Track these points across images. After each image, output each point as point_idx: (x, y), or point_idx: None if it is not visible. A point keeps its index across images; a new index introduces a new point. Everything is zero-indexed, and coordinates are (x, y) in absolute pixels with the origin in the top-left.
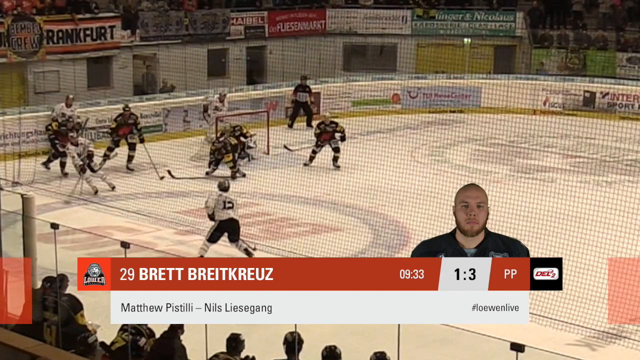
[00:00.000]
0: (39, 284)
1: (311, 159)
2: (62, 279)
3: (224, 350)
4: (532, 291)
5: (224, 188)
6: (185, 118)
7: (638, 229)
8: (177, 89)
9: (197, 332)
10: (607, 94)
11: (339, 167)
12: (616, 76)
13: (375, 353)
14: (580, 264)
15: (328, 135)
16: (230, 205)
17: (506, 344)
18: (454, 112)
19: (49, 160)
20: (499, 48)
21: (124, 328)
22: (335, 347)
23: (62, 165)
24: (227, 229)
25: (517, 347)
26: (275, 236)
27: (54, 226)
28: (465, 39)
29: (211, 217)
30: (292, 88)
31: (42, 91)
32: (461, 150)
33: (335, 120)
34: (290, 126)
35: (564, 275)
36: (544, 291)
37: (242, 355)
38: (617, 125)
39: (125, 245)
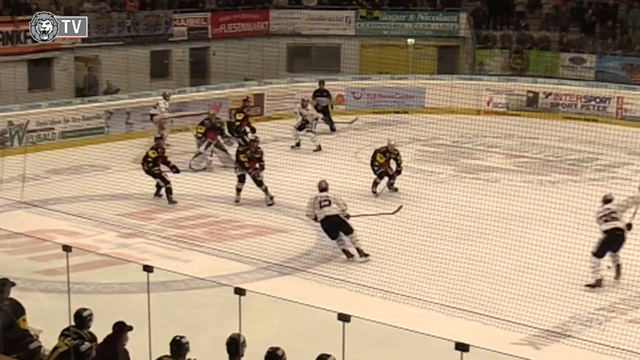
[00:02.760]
0: None
1: (376, 184)
2: (4, 284)
3: (168, 353)
4: (477, 290)
5: (322, 188)
6: (127, 120)
7: (581, 227)
8: (118, 91)
9: (141, 336)
10: (550, 94)
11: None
12: (559, 76)
13: (320, 355)
14: (524, 263)
15: (387, 164)
16: (326, 203)
17: (451, 343)
18: (398, 112)
19: (160, 190)
20: (442, 49)
21: (65, 333)
22: (278, 348)
23: (169, 191)
24: (330, 226)
25: (462, 347)
26: (219, 238)
27: None
28: (409, 40)
29: (315, 219)
30: (236, 89)
31: None
32: (405, 150)
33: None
34: (333, 130)
35: (507, 274)
36: (488, 290)
37: (186, 358)
38: (560, 125)
39: (67, 248)
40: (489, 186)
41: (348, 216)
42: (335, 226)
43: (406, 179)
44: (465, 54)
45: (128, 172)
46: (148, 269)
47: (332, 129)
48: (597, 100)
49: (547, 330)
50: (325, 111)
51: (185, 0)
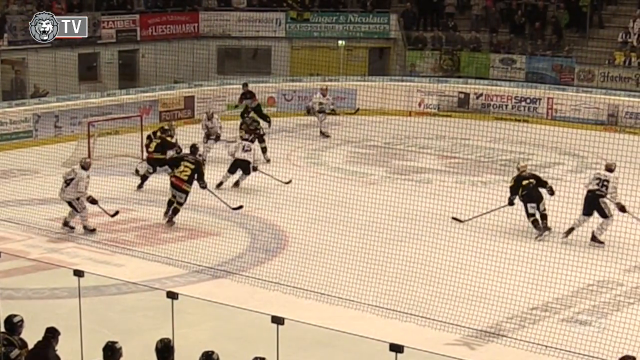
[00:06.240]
0: None
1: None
2: None
3: (101, 359)
4: (411, 291)
5: (245, 139)
6: (56, 123)
7: (512, 228)
8: (47, 95)
9: (73, 342)
10: (481, 94)
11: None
12: (489, 77)
13: (254, 358)
14: (457, 264)
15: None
16: (249, 149)
17: (386, 345)
18: (330, 114)
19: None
20: (373, 50)
21: None
22: (212, 352)
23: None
24: (240, 165)
25: (396, 348)
26: (151, 242)
27: None
28: (340, 41)
29: (232, 155)
30: (166, 92)
31: None
32: (337, 152)
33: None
34: (268, 122)
35: (441, 275)
36: (422, 291)
37: None
38: (491, 125)
39: None
40: (421, 187)
41: (255, 168)
42: (242, 168)
43: (339, 180)
44: (396, 56)
45: (57, 176)
46: (79, 273)
47: (268, 122)
48: (528, 100)
49: (482, 331)
50: (256, 110)
51: (113, 2)
